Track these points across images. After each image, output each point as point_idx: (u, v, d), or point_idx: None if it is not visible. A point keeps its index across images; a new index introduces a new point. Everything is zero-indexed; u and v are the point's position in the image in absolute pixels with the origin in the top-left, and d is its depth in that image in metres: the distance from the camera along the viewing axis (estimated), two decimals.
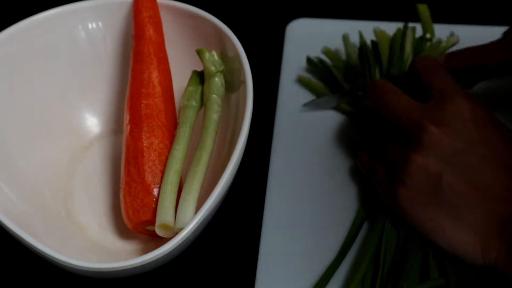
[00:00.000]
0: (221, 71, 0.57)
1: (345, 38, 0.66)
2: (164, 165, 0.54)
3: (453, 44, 0.64)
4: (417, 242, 0.52)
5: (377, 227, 0.53)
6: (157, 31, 0.60)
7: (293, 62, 0.66)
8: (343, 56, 0.66)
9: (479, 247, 0.48)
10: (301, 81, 0.64)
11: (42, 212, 0.56)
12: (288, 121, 0.62)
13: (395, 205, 0.52)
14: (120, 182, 0.56)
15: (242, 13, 0.75)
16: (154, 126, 0.56)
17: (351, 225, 0.55)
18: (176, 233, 0.49)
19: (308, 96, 0.64)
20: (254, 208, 0.58)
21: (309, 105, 0.62)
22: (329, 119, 0.62)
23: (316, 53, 0.66)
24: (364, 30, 0.66)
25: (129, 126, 0.56)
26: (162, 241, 0.50)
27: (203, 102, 0.57)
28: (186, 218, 0.50)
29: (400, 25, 0.66)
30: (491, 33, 0.61)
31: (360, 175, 0.57)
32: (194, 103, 0.57)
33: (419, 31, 0.65)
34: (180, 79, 0.60)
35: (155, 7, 0.61)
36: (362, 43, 0.65)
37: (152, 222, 0.53)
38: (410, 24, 0.65)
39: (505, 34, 0.57)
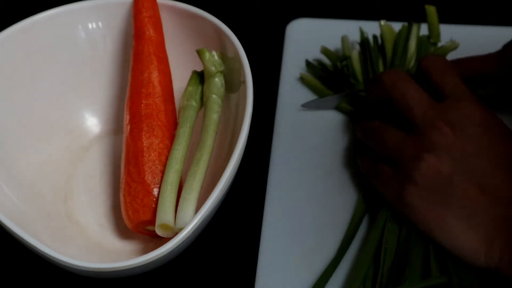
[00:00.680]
0: (221, 71, 0.57)
1: (344, 40, 0.66)
2: (164, 165, 0.54)
3: (453, 49, 0.63)
4: (418, 241, 0.52)
5: (377, 226, 0.53)
6: (157, 31, 0.60)
7: (293, 62, 0.66)
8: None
9: (483, 248, 0.49)
10: (301, 81, 0.64)
11: (42, 212, 0.56)
12: (288, 121, 0.62)
13: (400, 203, 0.52)
14: (120, 182, 0.56)
15: (242, 13, 0.75)
16: (154, 126, 0.56)
17: (349, 224, 0.55)
18: (176, 233, 0.49)
19: (308, 96, 0.64)
20: (254, 208, 0.58)
21: (308, 106, 0.62)
22: (329, 119, 0.62)
23: (316, 53, 0.66)
24: (364, 30, 0.66)
25: (129, 126, 0.56)
26: (162, 241, 0.50)
27: (203, 102, 0.57)
28: (186, 218, 0.50)
29: (400, 25, 0.66)
30: (491, 33, 0.61)
31: (360, 175, 0.57)
32: (194, 103, 0.57)
33: (423, 30, 0.65)
34: (180, 79, 0.60)
35: (155, 7, 0.61)
36: (363, 38, 0.64)
37: (152, 222, 0.53)
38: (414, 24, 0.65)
39: (505, 47, 0.57)
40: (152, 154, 0.55)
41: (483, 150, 0.50)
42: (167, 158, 0.54)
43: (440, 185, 0.50)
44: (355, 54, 0.64)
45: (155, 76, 0.58)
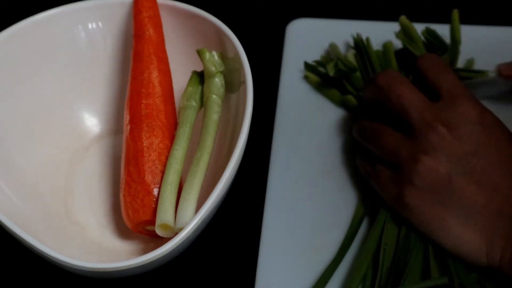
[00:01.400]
0: (221, 72, 0.57)
1: (332, 46, 0.66)
2: (164, 165, 0.54)
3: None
4: (417, 241, 0.52)
5: (377, 226, 0.53)
6: (157, 31, 0.60)
7: (293, 62, 0.66)
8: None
9: (484, 248, 0.49)
10: (306, 80, 0.64)
11: (42, 212, 0.56)
12: (288, 121, 0.62)
13: (399, 204, 0.52)
14: (120, 182, 0.56)
15: (242, 13, 0.74)
16: (154, 126, 0.56)
17: (350, 224, 0.55)
18: (176, 233, 0.49)
19: (308, 96, 0.64)
20: (254, 208, 0.58)
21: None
22: (330, 119, 0.62)
23: (316, 53, 0.66)
24: (364, 30, 0.66)
25: (129, 126, 0.56)
26: (162, 241, 0.50)
27: (203, 102, 0.57)
28: (186, 218, 0.50)
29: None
30: (492, 33, 0.61)
31: (360, 175, 0.57)
32: (194, 104, 0.57)
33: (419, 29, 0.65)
34: (180, 79, 0.60)
35: (155, 7, 0.61)
36: (358, 39, 0.64)
37: (152, 222, 0.53)
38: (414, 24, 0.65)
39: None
40: (152, 154, 0.55)
41: (480, 148, 0.50)
42: (167, 158, 0.54)
43: (438, 185, 0.50)
44: (350, 55, 0.64)
45: (155, 76, 0.58)
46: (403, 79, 0.55)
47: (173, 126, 0.57)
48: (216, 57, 0.57)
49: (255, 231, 0.56)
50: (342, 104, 0.63)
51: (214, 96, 0.56)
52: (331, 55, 0.66)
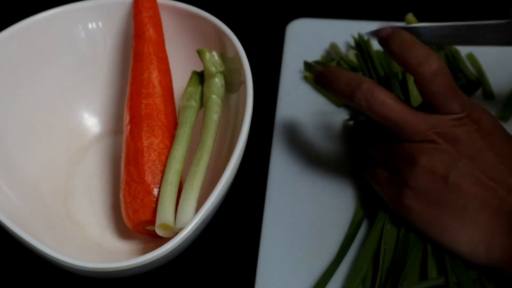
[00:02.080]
0: (221, 72, 0.57)
1: (333, 46, 0.66)
2: (164, 165, 0.54)
3: None
4: (417, 241, 0.52)
5: (376, 227, 0.53)
6: (157, 31, 0.60)
7: (293, 62, 0.66)
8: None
9: (483, 246, 0.49)
10: (305, 80, 0.64)
11: (42, 212, 0.56)
12: (288, 120, 0.62)
13: (398, 205, 0.52)
14: (120, 182, 0.56)
15: (242, 13, 0.75)
16: (154, 126, 0.56)
17: (350, 224, 0.55)
18: (176, 233, 0.49)
19: (308, 96, 0.64)
20: (254, 208, 0.58)
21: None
22: (330, 119, 0.62)
23: (316, 53, 0.66)
24: (364, 30, 0.66)
25: (129, 126, 0.56)
26: (162, 241, 0.50)
27: (203, 102, 0.57)
28: (186, 218, 0.50)
29: (400, 25, 0.65)
30: None
31: (360, 175, 0.57)
32: (194, 104, 0.57)
33: None
34: (180, 79, 0.60)
35: (155, 7, 0.61)
36: (360, 39, 0.64)
37: (152, 222, 0.53)
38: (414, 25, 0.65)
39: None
40: (152, 154, 0.55)
41: (480, 152, 0.50)
42: (167, 158, 0.54)
43: (436, 186, 0.50)
44: (351, 55, 0.65)
45: (155, 76, 0.58)
46: (380, 89, 0.51)
47: (173, 126, 0.57)
48: (216, 57, 0.57)
49: (255, 231, 0.56)
50: (342, 104, 0.63)
51: (214, 96, 0.56)
52: (331, 55, 0.66)
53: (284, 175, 0.58)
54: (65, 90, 0.62)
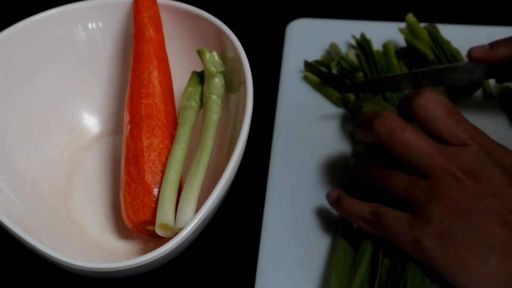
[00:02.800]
0: (221, 72, 0.57)
1: (333, 47, 0.66)
2: (164, 165, 0.54)
3: None
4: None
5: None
6: (157, 31, 0.60)
7: (293, 62, 0.66)
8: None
9: None
10: (305, 80, 0.64)
11: (42, 212, 0.56)
12: (288, 120, 0.62)
13: (416, 248, 0.49)
14: (120, 182, 0.56)
15: (242, 13, 0.75)
16: (154, 126, 0.56)
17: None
18: (176, 233, 0.49)
19: (309, 96, 0.64)
20: (254, 208, 0.58)
21: None
22: (330, 119, 0.62)
23: (316, 53, 0.66)
24: (364, 30, 0.66)
25: (129, 126, 0.56)
26: (162, 241, 0.50)
27: (203, 102, 0.57)
28: (186, 218, 0.50)
29: (400, 25, 0.66)
30: (492, 33, 0.61)
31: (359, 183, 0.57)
32: (194, 104, 0.57)
33: None
34: (180, 79, 0.60)
35: (155, 7, 0.61)
36: (362, 39, 0.64)
37: (152, 222, 0.53)
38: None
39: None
40: (152, 154, 0.55)
41: (503, 188, 0.48)
42: (167, 158, 0.54)
43: (458, 225, 0.48)
44: (351, 55, 0.65)
45: (155, 76, 0.58)
46: (404, 123, 0.51)
47: (173, 126, 0.57)
48: (216, 57, 0.57)
49: (255, 231, 0.56)
50: (342, 104, 0.63)
51: (214, 96, 0.56)
52: (331, 55, 0.66)
53: (284, 175, 0.58)
54: (65, 90, 0.62)
